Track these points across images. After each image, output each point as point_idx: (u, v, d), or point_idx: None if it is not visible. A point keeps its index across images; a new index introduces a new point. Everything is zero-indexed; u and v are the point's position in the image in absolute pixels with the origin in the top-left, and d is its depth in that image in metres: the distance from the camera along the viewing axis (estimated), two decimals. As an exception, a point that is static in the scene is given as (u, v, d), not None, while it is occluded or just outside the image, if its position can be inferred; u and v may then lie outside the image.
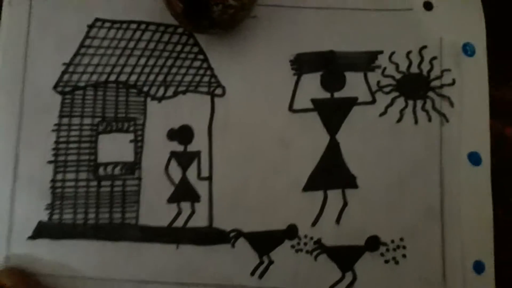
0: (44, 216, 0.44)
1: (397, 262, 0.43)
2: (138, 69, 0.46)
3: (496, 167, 0.44)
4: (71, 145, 0.45)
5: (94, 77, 0.46)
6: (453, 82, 0.45)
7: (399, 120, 0.45)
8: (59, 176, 0.45)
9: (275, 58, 0.46)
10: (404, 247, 0.43)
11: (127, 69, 0.46)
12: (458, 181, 0.43)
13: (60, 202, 0.44)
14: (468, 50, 0.45)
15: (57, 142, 0.45)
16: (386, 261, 0.43)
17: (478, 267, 0.42)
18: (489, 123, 0.44)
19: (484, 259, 0.42)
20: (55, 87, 0.46)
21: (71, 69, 0.46)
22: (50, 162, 0.45)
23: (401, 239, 0.43)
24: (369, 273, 0.43)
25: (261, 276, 0.43)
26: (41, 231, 0.44)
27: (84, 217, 0.44)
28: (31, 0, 0.46)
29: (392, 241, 0.43)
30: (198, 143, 0.45)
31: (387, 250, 0.43)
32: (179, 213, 0.44)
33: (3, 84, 0.45)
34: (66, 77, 0.46)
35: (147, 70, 0.46)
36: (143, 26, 0.46)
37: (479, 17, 0.46)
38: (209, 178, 0.44)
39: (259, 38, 0.46)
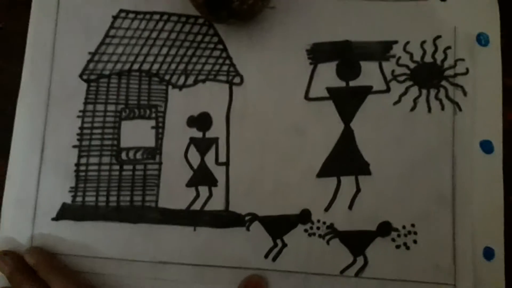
0: (67, 198, 0.46)
1: (408, 248, 0.43)
2: (160, 59, 0.47)
3: (508, 155, 0.44)
4: (95, 131, 0.47)
5: (118, 66, 0.47)
6: (467, 72, 0.45)
7: (412, 109, 0.45)
8: (83, 160, 0.46)
9: (292, 48, 0.47)
10: (415, 233, 0.43)
11: (150, 59, 0.47)
12: (470, 169, 0.44)
13: (84, 185, 0.46)
14: (482, 40, 0.46)
15: (81, 128, 0.47)
16: (397, 246, 0.43)
17: (488, 254, 0.42)
18: (502, 112, 0.45)
19: (494, 245, 0.43)
20: (81, 75, 0.47)
21: (96, 58, 0.48)
22: (74, 146, 0.46)
23: (413, 225, 0.43)
24: (380, 258, 0.43)
25: (274, 259, 0.44)
26: (65, 213, 0.45)
27: (106, 199, 0.46)
28: (59, -8, 0.49)
29: (404, 227, 0.43)
30: (216, 130, 0.46)
31: (399, 235, 0.43)
32: (197, 197, 0.45)
33: (32, 71, 0.47)
34: (91, 65, 0.47)
35: (168, 59, 0.47)
36: (165, 17, 0.48)
37: (493, 7, 0.46)
38: (226, 164, 0.46)
39: (277, 28, 0.47)
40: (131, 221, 0.45)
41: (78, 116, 0.47)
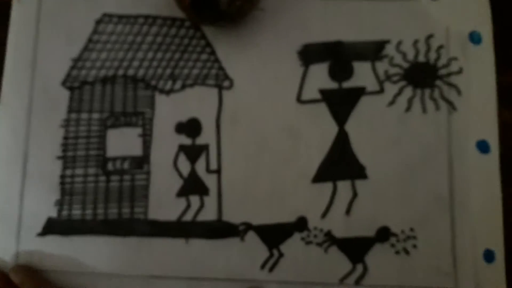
0: (53, 212, 0.45)
1: (407, 253, 0.43)
2: (146, 63, 0.46)
3: (505, 154, 0.44)
4: (80, 140, 0.46)
5: (103, 72, 0.46)
6: (460, 70, 0.45)
7: (407, 109, 0.45)
8: (68, 172, 0.45)
9: (282, 49, 0.46)
10: (414, 237, 0.43)
11: (135, 63, 0.46)
12: (467, 169, 0.44)
13: (69, 197, 0.45)
14: (474, 38, 0.46)
15: (66, 138, 0.46)
16: (397, 252, 0.43)
17: (489, 256, 0.42)
18: (497, 110, 0.44)
19: (494, 247, 0.42)
20: (63, 82, 0.46)
21: (79, 64, 0.47)
22: (59, 157, 0.45)
23: (411, 229, 0.43)
24: (380, 264, 0.43)
25: (271, 269, 0.43)
26: (50, 228, 0.44)
27: (93, 212, 0.45)
28: (40, -3, 0.47)
29: (403, 232, 0.43)
30: (207, 136, 0.45)
31: (398, 240, 0.43)
32: (188, 207, 0.44)
33: (12, 80, 0.46)
34: (74, 72, 0.46)
35: (155, 64, 0.46)
36: (150, 20, 0.47)
37: (485, 5, 0.46)
38: (218, 171, 0.45)
39: (266, 30, 0.47)
40: (120, 235, 0.44)
41: (62, 126, 0.46)
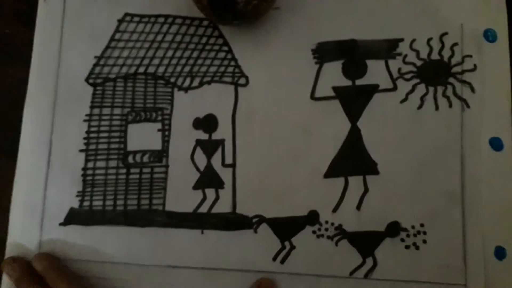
0: (75, 203, 0.46)
1: (417, 248, 0.43)
2: (165, 61, 0.48)
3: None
4: (102, 135, 0.47)
5: (124, 69, 0.48)
6: (474, 68, 0.45)
7: (420, 107, 0.45)
8: (90, 164, 0.46)
9: (297, 47, 0.47)
10: (424, 233, 0.43)
11: (155, 61, 0.48)
12: (479, 166, 0.43)
13: (91, 189, 0.46)
14: (489, 36, 0.45)
15: (88, 132, 0.47)
16: (407, 247, 0.43)
17: (500, 253, 0.42)
18: (510, 108, 0.44)
19: (506, 244, 0.42)
20: (87, 79, 0.48)
21: (102, 61, 0.48)
22: (81, 150, 0.47)
23: (422, 225, 0.43)
24: (390, 259, 0.43)
25: (282, 261, 0.43)
26: (72, 218, 0.46)
27: (113, 203, 0.46)
28: (65, -3, 0.49)
29: (413, 227, 0.43)
30: (223, 132, 0.46)
31: (408, 235, 0.43)
32: (204, 199, 0.45)
33: (38, 76, 0.48)
34: (97, 69, 0.48)
35: (174, 61, 0.47)
36: (170, 20, 0.48)
37: (500, 3, 0.46)
38: (233, 165, 0.46)
39: (282, 28, 0.47)
40: (138, 225, 0.45)
41: (85, 120, 0.47)
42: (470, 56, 0.45)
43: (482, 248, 0.42)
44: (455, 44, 0.45)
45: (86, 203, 0.46)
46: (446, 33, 0.45)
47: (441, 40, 0.45)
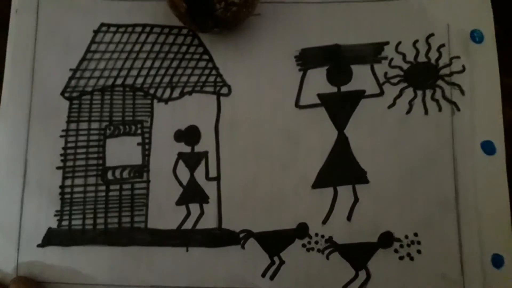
0: (53, 223, 0.44)
1: (412, 258, 0.42)
2: (144, 72, 0.46)
3: (511, 155, 0.43)
4: (79, 150, 0.45)
5: (101, 82, 0.46)
6: (463, 69, 0.44)
7: (408, 111, 0.44)
8: (68, 182, 0.45)
9: (279, 54, 0.46)
10: (418, 243, 0.42)
11: (133, 72, 0.46)
12: (472, 171, 0.43)
13: (69, 208, 0.44)
14: (476, 37, 0.45)
15: (65, 148, 0.45)
16: (401, 258, 0.42)
17: (497, 261, 0.41)
18: (501, 110, 0.43)
19: (503, 252, 0.41)
20: (62, 92, 0.46)
21: (78, 74, 0.46)
22: (58, 168, 0.45)
23: (415, 234, 0.42)
24: (383, 271, 0.42)
25: (272, 277, 0.42)
26: (51, 238, 0.44)
27: (93, 222, 0.44)
28: (37, 8, 0.47)
29: (406, 237, 0.42)
30: (206, 143, 0.45)
31: (401, 246, 0.42)
32: (188, 215, 0.44)
33: (11, 91, 0.46)
34: (73, 82, 0.46)
35: (153, 72, 0.46)
36: (147, 29, 0.47)
37: (486, 3, 0.45)
38: (217, 178, 0.44)
39: (263, 35, 0.46)
40: (120, 244, 0.44)
41: (61, 136, 0.45)
42: (458, 57, 0.45)
43: (479, 256, 0.41)
44: (442, 45, 0.45)
45: (64, 223, 0.44)
46: (432, 35, 0.45)
47: (428, 42, 0.45)
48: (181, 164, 0.45)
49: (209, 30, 0.43)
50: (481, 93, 0.44)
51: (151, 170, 0.45)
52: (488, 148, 0.43)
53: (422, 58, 0.45)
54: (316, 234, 0.43)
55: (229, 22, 0.41)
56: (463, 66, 0.44)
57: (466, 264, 0.41)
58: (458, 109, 0.44)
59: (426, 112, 0.44)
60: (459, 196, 0.42)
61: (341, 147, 0.44)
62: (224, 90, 0.46)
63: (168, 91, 0.46)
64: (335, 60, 0.45)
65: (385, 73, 0.45)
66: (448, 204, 0.42)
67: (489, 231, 0.42)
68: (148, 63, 0.46)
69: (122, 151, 0.45)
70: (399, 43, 0.45)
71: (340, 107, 0.45)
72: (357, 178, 0.43)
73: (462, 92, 0.44)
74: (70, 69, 0.46)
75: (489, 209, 0.42)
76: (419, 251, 0.42)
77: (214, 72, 0.46)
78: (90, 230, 0.44)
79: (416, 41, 0.45)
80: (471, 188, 0.42)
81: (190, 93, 0.46)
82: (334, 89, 0.45)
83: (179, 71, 0.46)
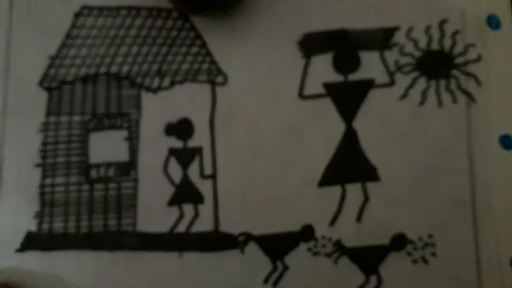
0: (32, 226, 0.43)
1: (426, 262, 0.41)
2: (130, 59, 0.45)
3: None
4: (60, 146, 0.44)
5: (83, 70, 0.45)
6: (479, 58, 0.43)
7: (421, 103, 0.43)
8: (48, 181, 0.43)
9: (280, 39, 0.45)
10: (433, 245, 0.41)
11: (119, 60, 0.45)
12: (490, 167, 0.42)
13: (50, 209, 0.43)
14: (493, 22, 0.44)
15: (44, 143, 0.44)
16: (414, 261, 0.41)
17: (516, 264, 0.41)
18: (521, 101, 0.43)
19: (522, 254, 0.41)
20: (40, 82, 0.45)
21: (57, 62, 0.45)
22: (37, 165, 0.43)
23: (430, 236, 0.41)
24: (396, 275, 0.41)
25: (275, 284, 0.41)
26: (30, 243, 0.42)
27: (77, 225, 0.43)
28: (12, -11, 0.46)
29: (420, 239, 0.41)
30: (199, 138, 0.44)
31: (415, 248, 0.41)
32: (181, 217, 0.43)
33: (-17, 81, 0.45)
34: (52, 71, 0.45)
35: (140, 59, 0.45)
36: (133, 12, 0.46)
37: (501, -14, 0.45)
38: (213, 176, 0.43)
39: (262, 18, 0.45)
40: (106, 249, 0.42)
41: (40, 130, 0.44)
42: (474, 45, 0.43)
43: (496, 258, 0.40)
44: (457, 32, 0.44)
45: (45, 226, 0.43)
46: (446, 20, 0.44)
47: (441, 28, 0.44)
48: (172, 160, 0.43)
49: (201, 11, 0.41)
50: (499, 84, 0.43)
51: (140, 167, 0.43)
52: (506, 142, 0.42)
53: (435, 46, 0.44)
54: (323, 237, 0.42)
55: (223, 2, 0.40)
56: (479, 55, 0.43)
57: (483, 267, 0.40)
58: (474, 101, 0.43)
59: (440, 103, 0.43)
60: (475, 195, 0.42)
61: (349, 141, 0.43)
62: (219, 79, 0.44)
63: (157, 80, 0.45)
64: (342, 45, 0.44)
65: (396, 61, 0.44)
66: (464, 202, 0.41)
67: (507, 233, 0.41)
68: (134, 49, 0.45)
69: (107, 147, 0.44)
70: (411, 28, 0.44)
71: (347, 97, 0.44)
72: (366, 175, 0.42)
73: (478, 82, 0.43)
74: (49, 56, 0.45)
75: (507, 208, 0.41)
76: (433, 254, 0.41)
77: (208, 59, 0.45)
78: (73, 233, 0.43)
79: (428, 27, 0.44)
80: (488, 186, 0.42)
81: (181, 82, 0.44)
82: (340, 78, 0.44)
83: (169, 58, 0.45)
